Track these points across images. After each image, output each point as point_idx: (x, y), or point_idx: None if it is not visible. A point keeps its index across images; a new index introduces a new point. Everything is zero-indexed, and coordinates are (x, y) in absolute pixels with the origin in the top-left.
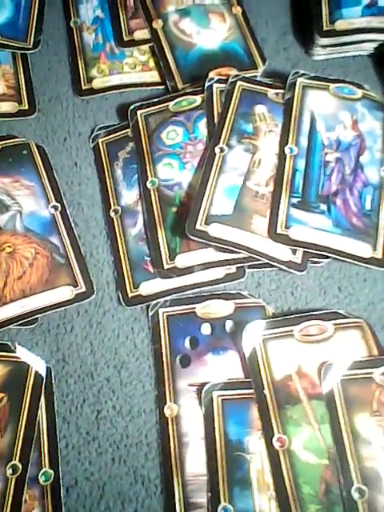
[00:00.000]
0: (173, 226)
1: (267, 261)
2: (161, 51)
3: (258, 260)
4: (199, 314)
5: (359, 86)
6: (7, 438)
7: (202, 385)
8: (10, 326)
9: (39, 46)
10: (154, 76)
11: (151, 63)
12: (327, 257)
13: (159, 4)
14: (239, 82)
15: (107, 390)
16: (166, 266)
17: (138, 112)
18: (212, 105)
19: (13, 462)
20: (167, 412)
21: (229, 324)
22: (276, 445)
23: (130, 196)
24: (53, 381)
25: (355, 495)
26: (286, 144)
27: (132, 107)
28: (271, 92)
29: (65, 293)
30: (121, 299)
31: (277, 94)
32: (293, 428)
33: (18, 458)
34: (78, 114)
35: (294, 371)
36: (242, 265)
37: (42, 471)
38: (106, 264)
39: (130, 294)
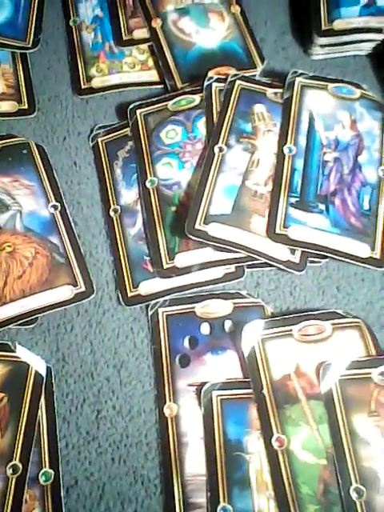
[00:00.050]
0: (172, 226)
1: (266, 260)
2: (160, 50)
3: (257, 260)
4: (198, 314)
5: (358, 86)
6: (7, 438)
7: (202, 384)
8: (10, 326)
9: (38, 45)
10: (153, 75)
11: (150, 62)
12: (325, 257)
13: (158, 3)
14: (238, 82)
15: (107, 389)
16: (165, 266)
17: (137, 111)
18: (211, 104)
19: (13, 462)
20: (167, 412)
21: (228, 324)
22: (275, 445)
23: (129, 195)
24: (53, 380)
25: (353, 495)
26: (285, 143)
27: (131, 106)
28: (270, 91)
29: (64, 292)
30: (120, 299)
31: (275, 93)
32: (291, 428)
33: (18, 458)
34: (77, 114)
35: (293, 371)
36: (241, 264)
37: (43, 471)
38: (105, 263)
39: (129, 294)
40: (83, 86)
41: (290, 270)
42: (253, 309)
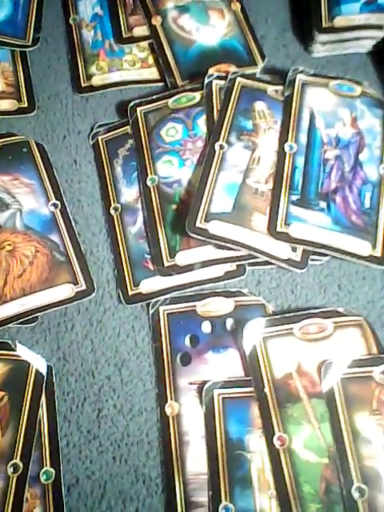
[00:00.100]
0: (173, 224)
1: (267, 258)
2: (160, 48)
3: (258, 258)
4: (199, 312)
5: (358, 83)
6: (8, 437)
7: (203, 383)
8: (11, 325)
9: (38, 44)
10: (153, 73)
11: (150, 60)
12: (327, 255)
13: (158, 0)
14: (239, 79)
15: (108, 388)
16: (166, 264)
17: (138, 109)
18: (211, 102)
19: (14, 461)
20: (168, 410)
21: (229, 322)
22: (276, 443)
23: (129, 193)
24: (54, 379)
25: (355, 494)
26: (286, 141)
27: (131, 104)
28: (271, 89)
29: (65, 291)
30: (121, 297)
31: (276, 90)
32: (293, 427)
33: (19, 457)
34: (77, 112)
35: (294, 369)
36: (242, 262)
37: (43, 470)
38: (106, 262)
39: (130, 292)
40: (83, 84)
41: (291, 268)
42: (254, 307)
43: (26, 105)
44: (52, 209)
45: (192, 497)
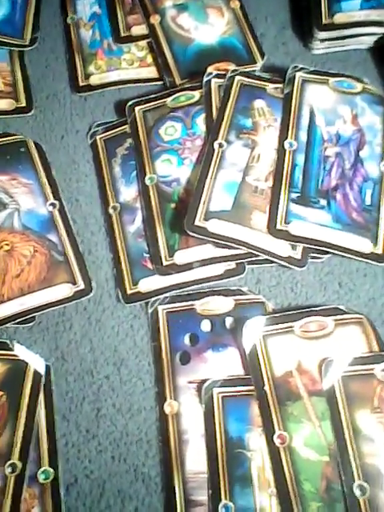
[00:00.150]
0: (171, 223)
1: (267, 257)
2: (158, 47)
3: (258, 256)
4: (199, 311)
5: (359, 80)
6: (6, 437)
7: (202, 382)
8: (9, 325)
9: (36, 43)
10: (151, 72)
11: (149, 59)
12: (327, 252)
13: None
14: (238, 77)
15: (107, 387)
16: (164, 263)
17: (136, 108)
18: (210, 100)
19: (12, 461)
20: (167, 409)
21: (229, 320)
22: (277, 442)
23: (128, 193)
24: (52, 379)
25: (356, 492)
26: (286, 139)
27: (130, 103)
28: (270, 87)
29: (63, 290)
30: (120, 296)
31: (276, 88)
32: (293, 425)
33: (17, 457)
34: (75, 111)
35: (295, 367)
36: (242, 261)
37: (42, 470)
38: (104, 261)
39: (129, 291)
40: (81, 84)
41: (291, 266)
42: (254, 305)
43: (23, 104)
44: (50, 208)
45: (192, 495)
